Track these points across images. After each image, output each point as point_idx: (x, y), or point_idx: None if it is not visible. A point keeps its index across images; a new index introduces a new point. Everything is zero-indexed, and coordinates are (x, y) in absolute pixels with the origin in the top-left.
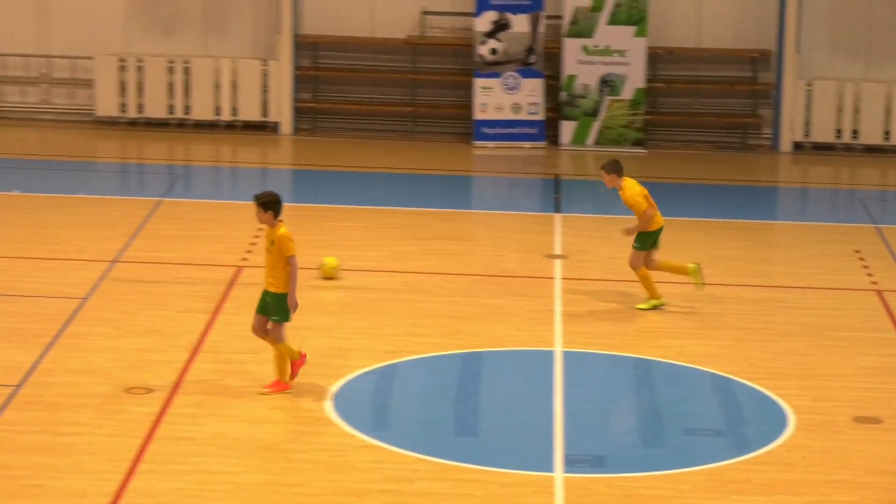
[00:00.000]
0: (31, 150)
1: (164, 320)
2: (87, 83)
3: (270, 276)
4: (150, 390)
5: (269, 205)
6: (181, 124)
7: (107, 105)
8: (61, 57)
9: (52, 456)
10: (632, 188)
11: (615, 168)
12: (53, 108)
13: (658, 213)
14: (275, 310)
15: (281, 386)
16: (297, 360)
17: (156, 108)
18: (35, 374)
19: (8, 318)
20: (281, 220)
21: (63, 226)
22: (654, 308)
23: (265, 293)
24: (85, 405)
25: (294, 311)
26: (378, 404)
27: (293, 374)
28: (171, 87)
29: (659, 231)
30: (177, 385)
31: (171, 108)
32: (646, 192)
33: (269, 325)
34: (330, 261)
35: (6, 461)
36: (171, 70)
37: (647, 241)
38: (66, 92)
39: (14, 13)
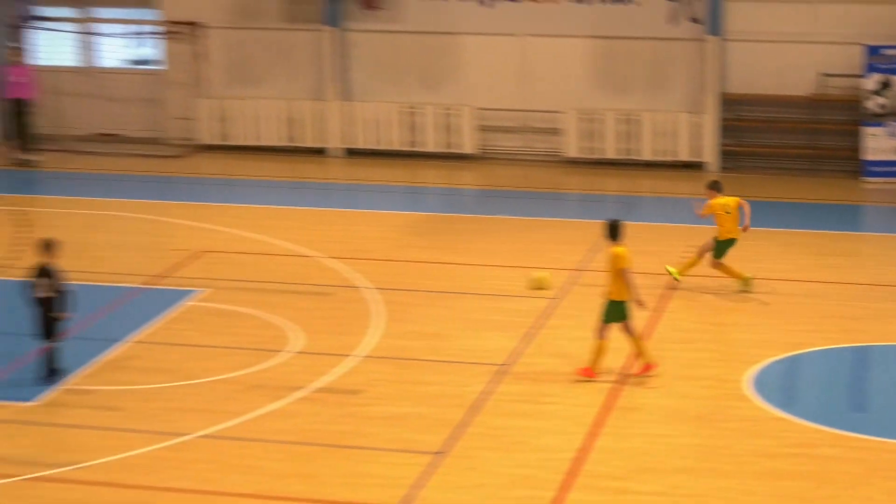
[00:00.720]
0: (514, 184)
1: None
2: (557, 131)
3: (608, 285)
4: (607, 371)
5: (608, 228)
6: (632, 164)
7: (572, 148)
8: (538, 111)
9: (533, 420)
10: (718, 201)
11: (713, 186)
12: (531, 151)
13: (734, 228)
14: (605, 312)
15: (588, 373)
16: (650, 365)
17: (611, 151)
18: (522, 357)
19: (496, 313)
20: (619, 242)
21: (539, 242)
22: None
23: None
24: (558, 381)
25: (634, 309)
26: (785, 385)
27: (642, 371)
28: (623, 135)
29: (730, 242)
30: (628, 367)
31: (623, 151)
32: (729, 207)
33: (620, 327)
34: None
35: (499, 423)
36: (622, 121)
37: (721, 250)
38: (541, 138)
39: (501, 77)
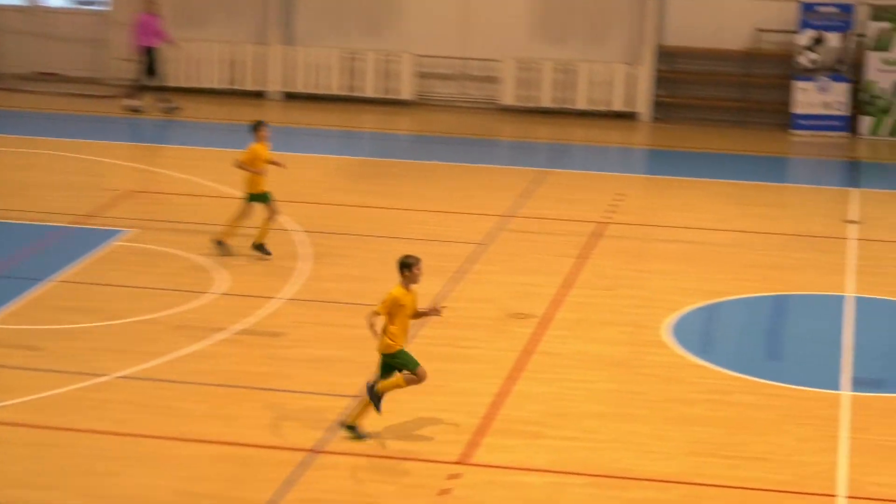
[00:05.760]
0: (449, 130)
1: (544, 262)
2: (494, 79)
3: None
4: (529, 316)
5: None
6: (565, 112)
7: (508, 97)
8: (476, 59)
9: (454, 363)
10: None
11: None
12: (467, 98)
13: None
14: None
15: None
16: None
17: (546, 100)
18: (446, 301)
19: (425, 258)
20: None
21: (471, 187)
22: None
23: None
24: (480, 325)
25: None
26: (705, 332)
27: None
28: (559, 84)
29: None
30: (550, 313)
31: (557, 100)
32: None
33: None
34: None
35: None
36: (559, 70)
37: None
38: (477, 86)
39: (442, 24)
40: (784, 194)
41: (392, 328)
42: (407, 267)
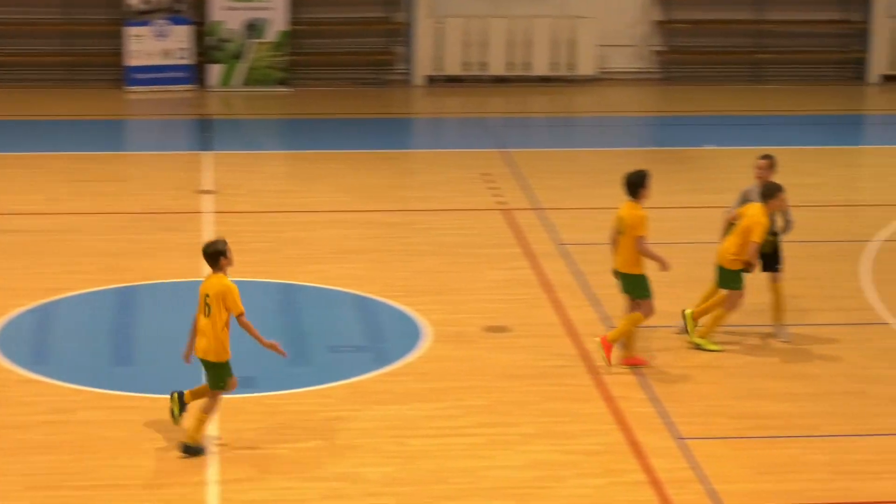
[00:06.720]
0: None
1: None
2: None
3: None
4: None
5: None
6: None
7: None
8: None
9: None
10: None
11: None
12: None
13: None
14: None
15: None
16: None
17: None
18: None
19: None
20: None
21: None
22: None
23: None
24: None
25: None
26: (37, 340)
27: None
28: None
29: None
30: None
31: None
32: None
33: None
34: None
35: None
36: None
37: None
38: None
39: None
40: (124, 165)
41: (226, 329)
42: (223, 253)
